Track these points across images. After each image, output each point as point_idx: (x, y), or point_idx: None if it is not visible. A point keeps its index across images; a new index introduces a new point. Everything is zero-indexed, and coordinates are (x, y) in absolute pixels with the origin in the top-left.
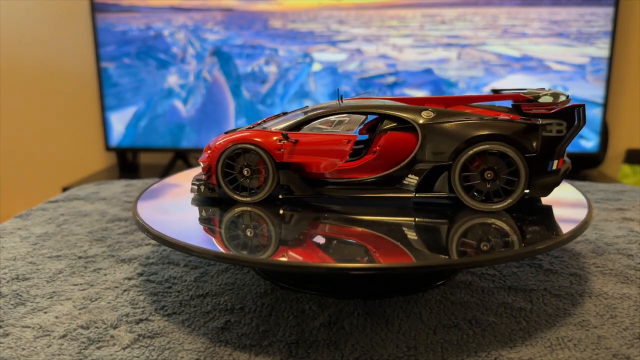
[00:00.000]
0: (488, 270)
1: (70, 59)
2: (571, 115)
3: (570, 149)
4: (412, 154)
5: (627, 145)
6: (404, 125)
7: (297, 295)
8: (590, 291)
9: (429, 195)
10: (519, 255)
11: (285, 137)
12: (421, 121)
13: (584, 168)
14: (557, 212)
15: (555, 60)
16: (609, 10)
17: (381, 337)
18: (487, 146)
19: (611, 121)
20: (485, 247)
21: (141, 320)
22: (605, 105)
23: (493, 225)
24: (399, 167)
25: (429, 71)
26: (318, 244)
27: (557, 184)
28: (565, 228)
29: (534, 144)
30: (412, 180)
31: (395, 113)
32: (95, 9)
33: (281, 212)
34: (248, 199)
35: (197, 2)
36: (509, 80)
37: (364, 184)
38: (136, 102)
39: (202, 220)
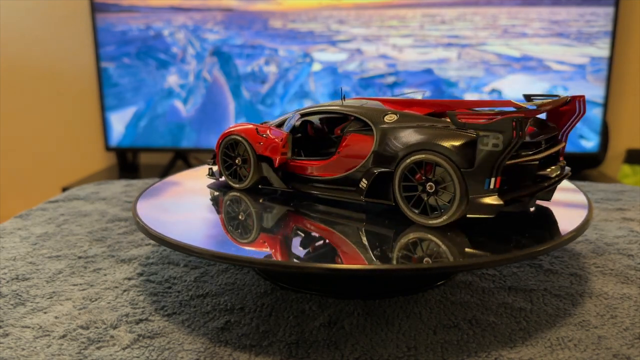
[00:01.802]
0: (488, 271)
1: (70, 59)
2: (508, 127)
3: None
4: (367, 158)
5: (627, 145)
6: (368, 128)
7: (297, 296)
8: (590, 291)
9: (376, 201)
10: (520, 257)
11: (257, 131)
12: (379, 125)
13: (584, 168)
14: (558, 212)
15: (556, 60)
16: (609, 10)
17: (381, 337)
18: (423, 156)
19: (611, 121)
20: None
21: (141, 320)
22: (605, 105)
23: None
24: (355, 169)
25: (429, 71)
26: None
27: (497, 205)
28: (566, 228)
29: (469, 158)
30: (364, 184)
31: (358, 114)
32: (95, 9)
33: (260, 200)
34: (237, 185)
35: (197, 2)
36: (509, 81)
37: (327, 182)
38: (136, 102)
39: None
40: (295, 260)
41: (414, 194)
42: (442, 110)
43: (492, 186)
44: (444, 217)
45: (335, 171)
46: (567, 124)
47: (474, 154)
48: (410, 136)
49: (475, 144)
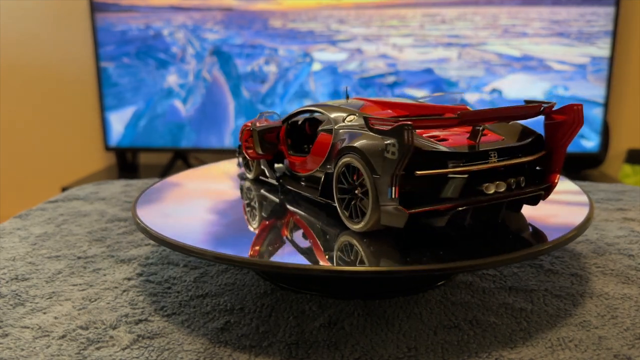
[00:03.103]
0: (488, 271)
1: (69, 58)
2: (401, 134)
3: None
4: (324, 158)
5: (628, 145)
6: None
7: (297, 296)
8: (591, 291)
9: (328, 201)
10: (521, 257)
11: (253, 126)
12: (336, 125)
13: (585, 168)
14: (558, 212)
15: (556, 60)
16: (610, 10)
17: (381, 337)
18: (348, 159)
19: (612, 121)
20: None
21: (140, 320)
22: (606, 105)
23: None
24: (317, 168)
25: (429, 71)
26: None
27: (401, 215)
28: (567, 228)
29: (379, 165)
30: (320, 183)
31: (327, 113)
32: (94, 8)
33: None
34: (249, 175)
35: (197, 1)
36: (509, 80)
37: (303, 179)
38: (136, 102)
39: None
40: (295, 261)
41: (347, 197)
42: (419, 113)
43: (393, 195)
44: (362, 224)
45: (306, 169)
46: (564, 136)
47: (378, 159)
48: (347, 139)
49: (379, 149)
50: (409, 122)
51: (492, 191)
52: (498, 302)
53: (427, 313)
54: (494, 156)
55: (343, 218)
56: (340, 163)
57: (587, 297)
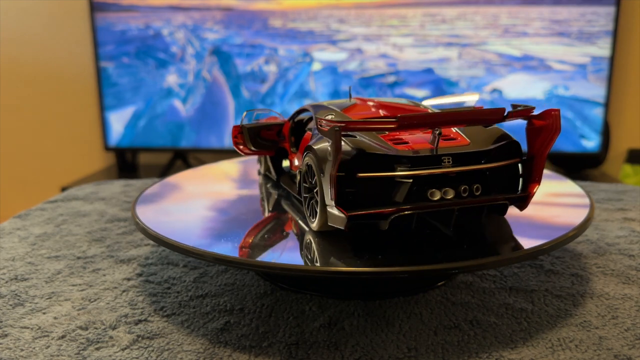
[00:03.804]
0: (489, 271)
1: (69, 58)
2: (332, 136)
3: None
4: (304, 156)
5: (628, 145)
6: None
7: (297, 296)
8: (591, 292)
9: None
10: (521, 257)
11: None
12: (310, 125)
13: (585, 168)
14: (559, 212)
15: (557, 59)
16: (610, 9)
17: (381, 338)
18: (307, 159)
19: (613, 121)
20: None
21: (140, 321)
22: (606, 105)
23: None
24: (300, 166)
25: (429, 70)
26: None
27: (341, 217)
28: (567, 227)
29: (323, 165)
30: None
31: (313, 111)
32: (94, 8)
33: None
34: (261, 170)
35: (197, 1)
36: (510, 80)
37: (294, 177)
38: (135, 102)
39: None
40: (294, 262)
41: (308, 196)
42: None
43: (331, 197)
44: (315, 223)
45: (295, 166)
46: (543, 143)
47: (327, 161)
48: (315, 138)
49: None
50: (342, 124)
51: (437, 197)
52: (498, 302)
53: (428, 313)
54: (448, 161)
55: (306, 215)
56: (304, 162)
57: (587, 298)
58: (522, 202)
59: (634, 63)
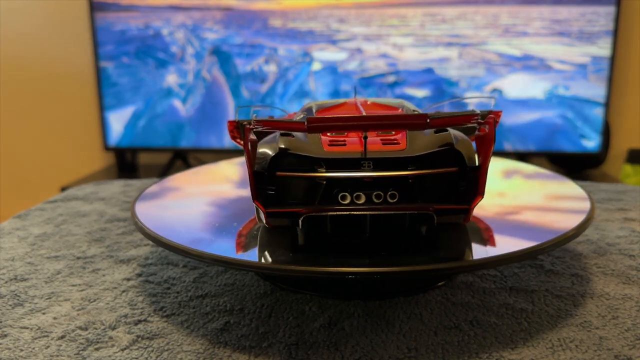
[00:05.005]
0: (489, 271)
1: (68, 58)
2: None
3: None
4: None
5: (629, 145)
6: None
7: (297, 296)
8: (592, 292)
9: None
10: (521, 256)
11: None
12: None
13: (586, 168)
14: (559, 211)
15: (557, 59)
16: (611, 9)
17: (382, 338)
18: None
19: (613, 121)
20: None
21: (140, 321)
22: (607, 105)
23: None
24: None
25: (429, 70)
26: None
27: (260, 212)
28: (567, 227)
29: None
30: None
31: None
32: (94, 8)
33: None
34: None
35: (197, 1)
36: (510, 80)
37: None
38: (135, 102)
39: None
40: (294, 263)
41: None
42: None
43: (251, 192)
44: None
45: None
46: (482, 152)
47: None
48: None
49: None
50: (259, 123)
51: (347, 201)
52: (499, 302)
53: (428, 313)
54: (368, 166)
55: None
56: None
57: (587, 298)
58: (460, 214)
59: (634, 63)
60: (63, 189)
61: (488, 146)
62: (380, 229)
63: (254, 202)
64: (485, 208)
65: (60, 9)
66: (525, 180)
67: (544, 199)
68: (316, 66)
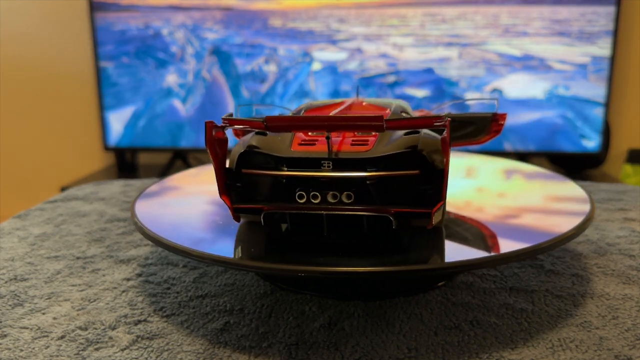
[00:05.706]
0: (489, 271)
1: (68, 58)
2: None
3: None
4: None
5: (629, 145)
6: None
7: (297, 297)
8: (592, 292)
9: None
10: (521, 256)
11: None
12: None
13: (586, 168)
14: (559, 211)
15: (557, 59)
16: (611, 9)
17: (382, 338)
18: None
19: (613, 121)
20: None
21: (140, 321)
22: (607, 105)
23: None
24: None
25: (429, 70)
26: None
27: (229, 208)
28: (567, 227)
29: None
30: None
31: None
32: (94, 7)
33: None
34: None
35: (197, 1)
36: (510, 80)
37: None
38: (135, 102)
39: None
40: (294, 264)
41: None
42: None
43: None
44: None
45: None
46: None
47: None
48: None
49: None
50: (225, 120)
51: (303, 200)
52: (499, 302)
53: (428, 314)
54: (327, 166)
55: None
56: None
57: (588, 298)
58: (420, 218)
59: (634, 63)
60: (63, 189)
61: (445, 149)
62: (337, 229)
63: (221, 197)
64: (485, 208)
65: (60, 9)
66: (525, 181)
67: (543, 199)
68: (316, 66)
